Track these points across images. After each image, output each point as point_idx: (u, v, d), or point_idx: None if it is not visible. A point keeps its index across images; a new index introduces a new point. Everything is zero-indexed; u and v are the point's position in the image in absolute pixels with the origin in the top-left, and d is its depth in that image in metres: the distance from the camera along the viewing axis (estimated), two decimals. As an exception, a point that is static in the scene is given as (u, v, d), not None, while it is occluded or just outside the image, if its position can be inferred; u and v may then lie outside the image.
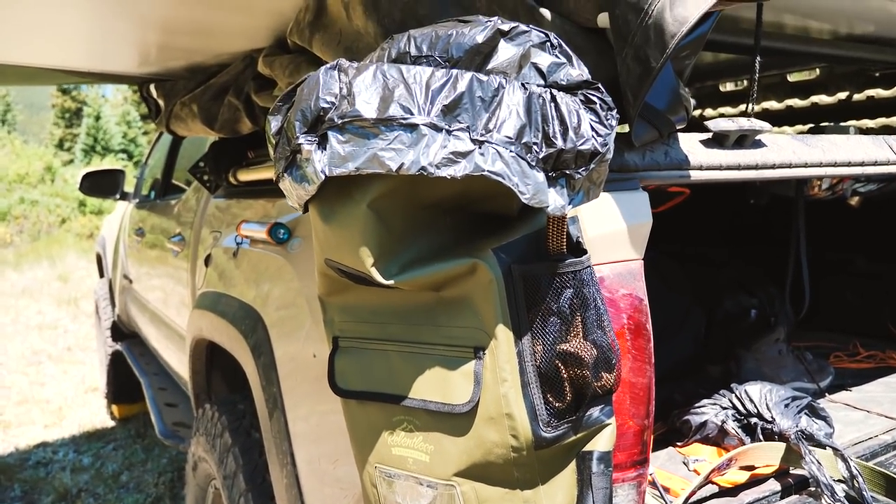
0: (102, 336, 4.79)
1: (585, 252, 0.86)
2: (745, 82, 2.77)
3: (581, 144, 0.79)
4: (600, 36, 1.05)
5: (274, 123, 0.88)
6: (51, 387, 5.56)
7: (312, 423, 1.52)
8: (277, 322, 1.66)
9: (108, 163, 23.26)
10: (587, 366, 0.85)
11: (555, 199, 0.78)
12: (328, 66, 0.83)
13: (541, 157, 0.78)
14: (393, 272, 0.85)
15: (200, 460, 2.17)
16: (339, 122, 0.79)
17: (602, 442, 0.90)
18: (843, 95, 2.66)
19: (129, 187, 4.64)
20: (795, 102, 2.83)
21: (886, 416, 1.68)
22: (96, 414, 4.90)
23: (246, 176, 2.07)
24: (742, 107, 3.01)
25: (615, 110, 0.82)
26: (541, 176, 0.78)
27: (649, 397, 1.00)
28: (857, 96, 2.61)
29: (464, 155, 0.77)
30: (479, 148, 0.77)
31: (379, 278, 0.84)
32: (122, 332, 4.47)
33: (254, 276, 1.85)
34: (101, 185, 4.45)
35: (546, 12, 1.01)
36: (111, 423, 4.70)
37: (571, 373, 0.85)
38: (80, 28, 1.69)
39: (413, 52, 0.87)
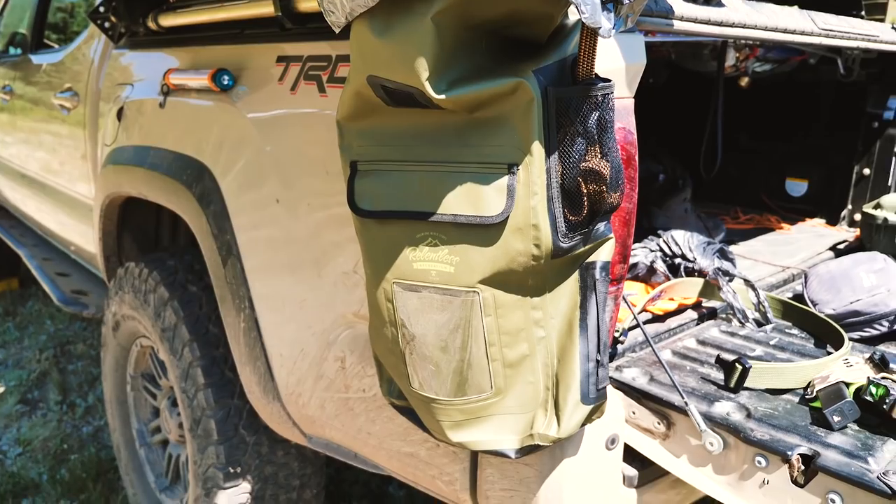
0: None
1: (609, 80, 0.95)
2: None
3: (627, -28, 0.85)
4: None
5: None
6: None
7: (278, 264, 1.55)
8: (230, 170, 1.63)
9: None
10: (605, 182, 0.95)
11: (605, 22, 0.84)
12: None
13: (596, -19, 0.84)
14: (442, 88, 0.89)
15: (125, 318, 2.13)
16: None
17: (604, 253, 1.03)
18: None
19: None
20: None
21: (769, 263, 1.98)
22: (-48, 294, 4.53)
23: (170, 21, 1.94)
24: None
25: None
26: None
27: (632, 221, 1.13)
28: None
29: (529, -29, 0.81)
30: (545, -33, 0.81)
31: (431, 92, 0.88)
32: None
33: (193, 126, 1.78)
34: None
35: None
36: (-28, 303, 4.38)
37: (590, 189, 0.95)
38: None
39: None
